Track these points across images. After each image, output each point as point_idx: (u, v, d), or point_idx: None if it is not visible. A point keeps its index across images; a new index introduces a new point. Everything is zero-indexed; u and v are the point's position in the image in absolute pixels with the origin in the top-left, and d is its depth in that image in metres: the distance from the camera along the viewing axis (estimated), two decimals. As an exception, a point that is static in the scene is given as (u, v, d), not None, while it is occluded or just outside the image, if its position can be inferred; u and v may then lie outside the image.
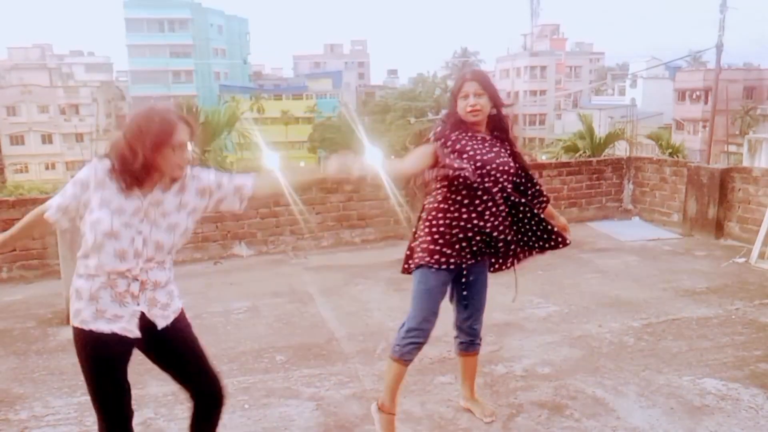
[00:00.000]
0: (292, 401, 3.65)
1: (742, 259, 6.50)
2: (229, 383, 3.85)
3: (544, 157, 26.19)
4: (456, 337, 3.33)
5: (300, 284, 6.01)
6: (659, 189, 8.60)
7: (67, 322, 5.07)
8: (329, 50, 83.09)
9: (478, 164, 2.88)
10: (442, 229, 2.96)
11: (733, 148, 33.02)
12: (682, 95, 48.44)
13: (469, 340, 3.29)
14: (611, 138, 14.76)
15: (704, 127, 40.12)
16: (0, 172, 44.96)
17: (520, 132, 57.14)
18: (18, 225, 2.50)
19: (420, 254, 3.02)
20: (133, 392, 3.80)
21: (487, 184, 2.91)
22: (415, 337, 3.04)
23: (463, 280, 3.09)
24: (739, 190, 7.35)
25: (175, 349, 2.49)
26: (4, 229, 7.08)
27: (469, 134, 2.95)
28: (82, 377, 4.04)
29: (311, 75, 70.84)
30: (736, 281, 5.84)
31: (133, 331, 2.33)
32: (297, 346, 4.45)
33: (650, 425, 3.31)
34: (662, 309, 5.08)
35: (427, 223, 3.01)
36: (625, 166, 9.07)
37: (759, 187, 7.14)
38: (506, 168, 2.96)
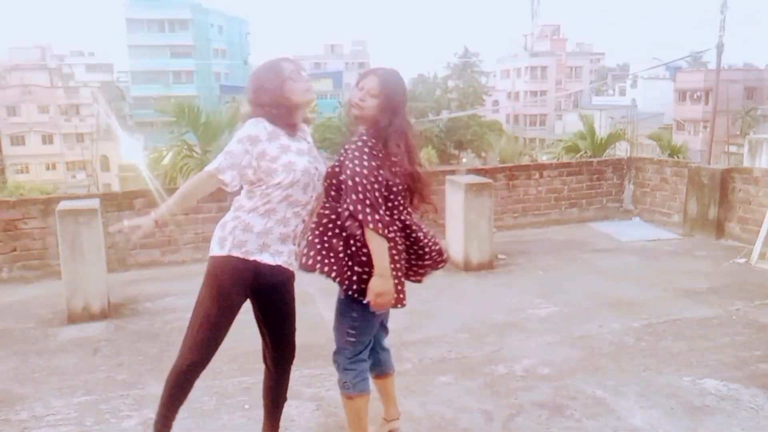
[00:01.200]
0: (293, 401, 3.63)
1: (743, 260, 6.50)
2: (229, 383, 3.87)
3: (545, 158, 26.21)
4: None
5: (300, 284, 5.99)
6: (660, 189, 8.60)
7: (68, 321, 5.10)
8: (329, 50, 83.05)
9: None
10: None
11: (733, 149, 33.03)
12: (682, 96, 48.42)
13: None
14: (612, 138, 14.77)
15: (705, 127, 40.11)
16: (0, 173, 44.97)
17: (521, 132, 57.13)
18: (179, 195, 2.61)
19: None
20: (133, 392, 3.82)
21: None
22: None
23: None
24: (740, 190, 7.35)
25: (280, 305, 2.84)
26: (5, 230, 7.09)
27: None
28: (82, 377, 4.06)
29: (311, 75, 70.41)
30: (736, 282, 5.83)
31: (293, 264, 2.73)
32: (297, 347, 4.43)
33: (650, 425, 3.30)
34: (662, 309, 5.08)
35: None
36: (625, 167, 9.07)
37: (759, 188, 7.13)
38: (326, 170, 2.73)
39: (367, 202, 2.53)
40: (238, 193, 2.69)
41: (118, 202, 6.85)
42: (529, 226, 8.46)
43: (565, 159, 14.18)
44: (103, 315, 5.21)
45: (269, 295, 2.79)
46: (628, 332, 4.61)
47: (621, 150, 17.36)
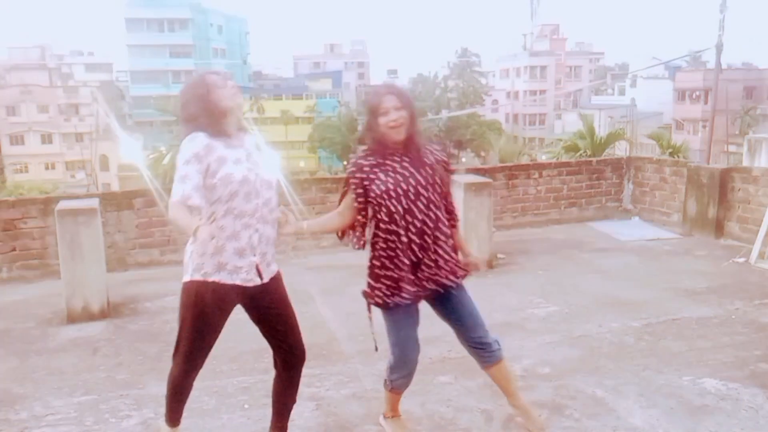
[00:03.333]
0: (292, 401, 3.64)
1: (742, 259, 6.50)
2: (228, 383, 3.87)
3: (544, 157, 26.21)
4: (471, 354, 3.12)
5: (300, 284, 6.01)
6: (659, 189, 8.60)
7: (68, 321, 5.10)
8: (329, 50, 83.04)
9: (396, 184, 2.76)
10: (383, 262, 2.85)
11: (732, 148, 33.03)
12: (681, 95, 48.43)
13: (481, 353, 3.05)
14: (612, 138, 14.78)
15: (704, 127, 40.10)
16: (0, 172, 44.96)
17: (521, 132, 57.21)
18: (185, 225, 2.51)
19: (372, 292, 2.91)
20: (133, 392, 3.82)
21: (405, 205, 2.76)
22: (400, 373, 3.01)
23: (435, 302, 2.97)
24: (739, 189, 7.35)
25: (271, 306, 2.82)
26: (4, 229, 7.10)
27: (385, 157, 2.80)
28: (82, 377, 4.06)
29: (311, 75, 70.84)
30: (736, 281, 5.83)
31: (254, 279, 2.70)
32: (297, 346, 4.44)
33: (650, 425, 3.31)
34: (662, 309, 5.08)
35: (372, 259, 2.90)
36: (625, 166, 9.07)
37: (759, 187, 7.14)
38: (425, 183, 2.80)
39: None
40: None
41: (118, 202, 6.86)
42: (528, 226, 8.46)
43: (564, 158, 14.19)
44: (103, 315, 5.21)
45: (255, 303, 2.80)
46: (628, 332, 4.61)
47: (620, 149, 17.37)
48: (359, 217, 2.90)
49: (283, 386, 2.94)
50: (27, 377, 4.10)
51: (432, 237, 2.85)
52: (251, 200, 2.63)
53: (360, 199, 2.84)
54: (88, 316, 5.15)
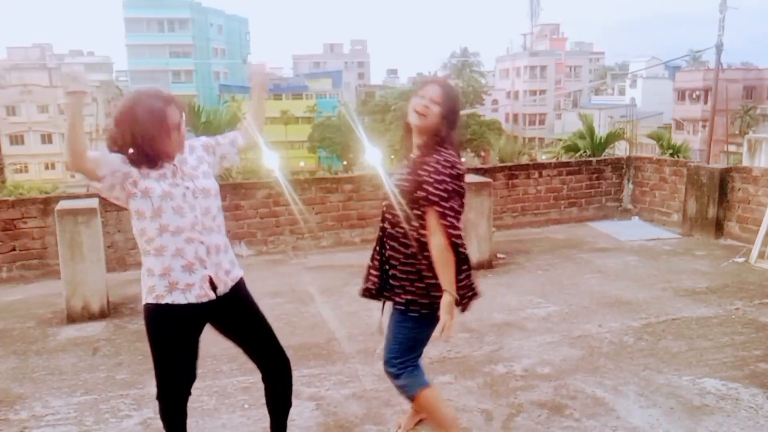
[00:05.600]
0: (292, 401, 3.64)
1: (742, 259, 6.50)
2: (228, 383, 3.87)
3: (544, 157, 26.21)
4: None
5: (300, 284, 6.01)
6: (659, 189, 8.60)
7: (68, 321, 5.11)
8: (329, 50, 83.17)
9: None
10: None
11: (732, 148, 33.03)
12: (681, 95, 48.46)
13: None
14: (612, 138, 14.75)
15: (704, 126, 40.12)
16: (0, 172, 44.96)
17: (521, 132, 57.22)
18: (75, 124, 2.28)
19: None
20: (133, 392, 3.82)
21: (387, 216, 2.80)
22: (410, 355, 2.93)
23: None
24: (739, 189, 7.35)
25: (240, 316, 2.68)
26: (4, 229, 7.08)
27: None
28: (82, 377, 4.07)
29: (311, 75, 70.86)
30: (735, 281, 5.83)
31: (208, 293, 2.53)
32: (297, 346, 4.44)
33: (650, 425, 3.31)
34: (662, 309, 5.08)
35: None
36: (624, 166, 9.07)
37: (759, 187, 7.14)
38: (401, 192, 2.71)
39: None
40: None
41: (118, 202, 6.85)
42: (528, 226, 8.46)
43: (564, 158, 14.17)
44: (103, 314, 5.21)
45: (220, 316, 2.66)
46: (628, 332, 4.61)
47: (620, 149, 17.37)
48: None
49: (274, 394, 2.82)
50: (27, 377, 4.10)
51: None
52: (185, 215, 2.47)
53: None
54: (87, 316, 5.16)
